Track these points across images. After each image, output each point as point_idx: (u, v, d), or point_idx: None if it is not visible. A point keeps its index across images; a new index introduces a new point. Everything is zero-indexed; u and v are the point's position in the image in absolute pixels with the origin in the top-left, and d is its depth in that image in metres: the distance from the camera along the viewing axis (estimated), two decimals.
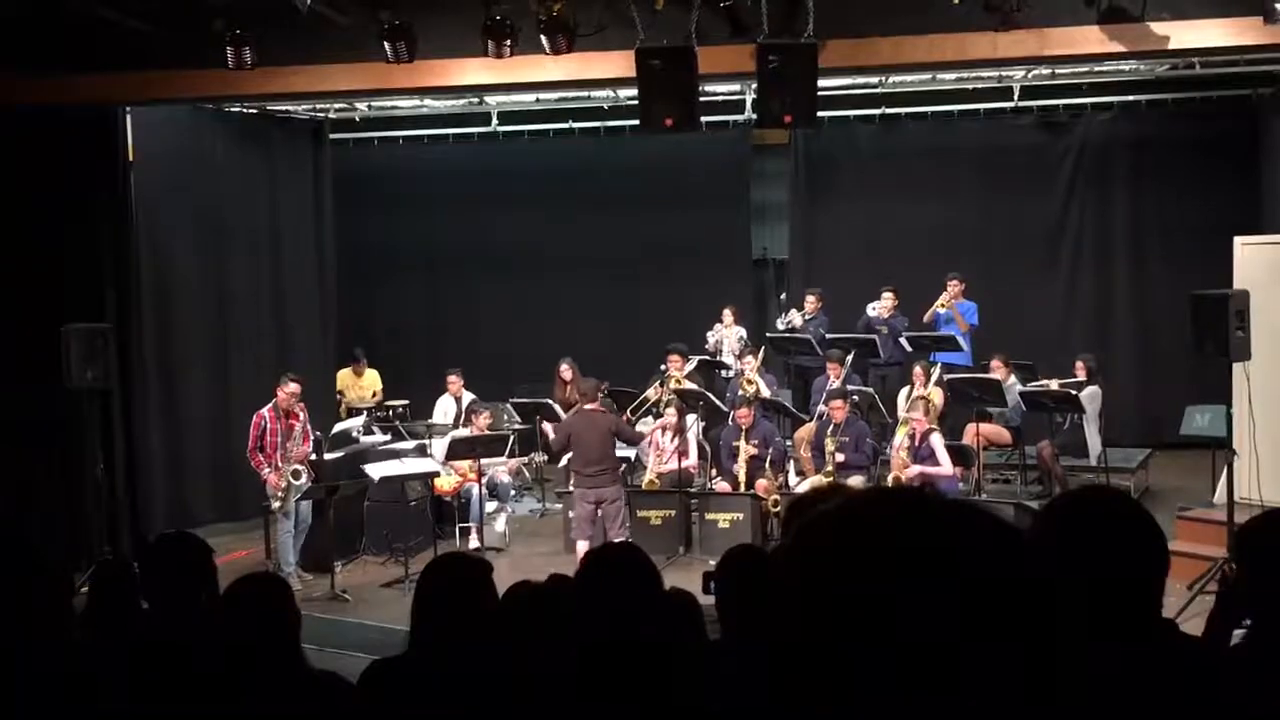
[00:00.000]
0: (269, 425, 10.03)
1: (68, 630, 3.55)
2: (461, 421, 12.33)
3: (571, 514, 10.30)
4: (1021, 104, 13.85)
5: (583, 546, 9.67)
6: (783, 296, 14.30)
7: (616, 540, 9.53)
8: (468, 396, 13.03)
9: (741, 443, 10.94)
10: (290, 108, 13.12)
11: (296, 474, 10.06)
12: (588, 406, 10.24)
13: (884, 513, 1.09)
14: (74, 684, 3.15)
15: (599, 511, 9.92)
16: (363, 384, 13.95)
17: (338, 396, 13.80)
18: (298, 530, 10.21)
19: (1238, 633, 2.86)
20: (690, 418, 11.63)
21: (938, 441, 10.65)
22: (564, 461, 12.25)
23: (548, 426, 12.57)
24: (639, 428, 12.49)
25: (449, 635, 3.39)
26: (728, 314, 13.50)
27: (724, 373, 13.27)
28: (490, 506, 11.30)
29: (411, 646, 3.47)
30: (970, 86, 13.46)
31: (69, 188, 10.55)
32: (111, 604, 4.30)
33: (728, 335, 13.43)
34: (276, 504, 10.04)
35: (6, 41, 9.77)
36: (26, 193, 10.37)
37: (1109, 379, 12.46)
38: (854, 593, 1.03)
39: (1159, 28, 8.96)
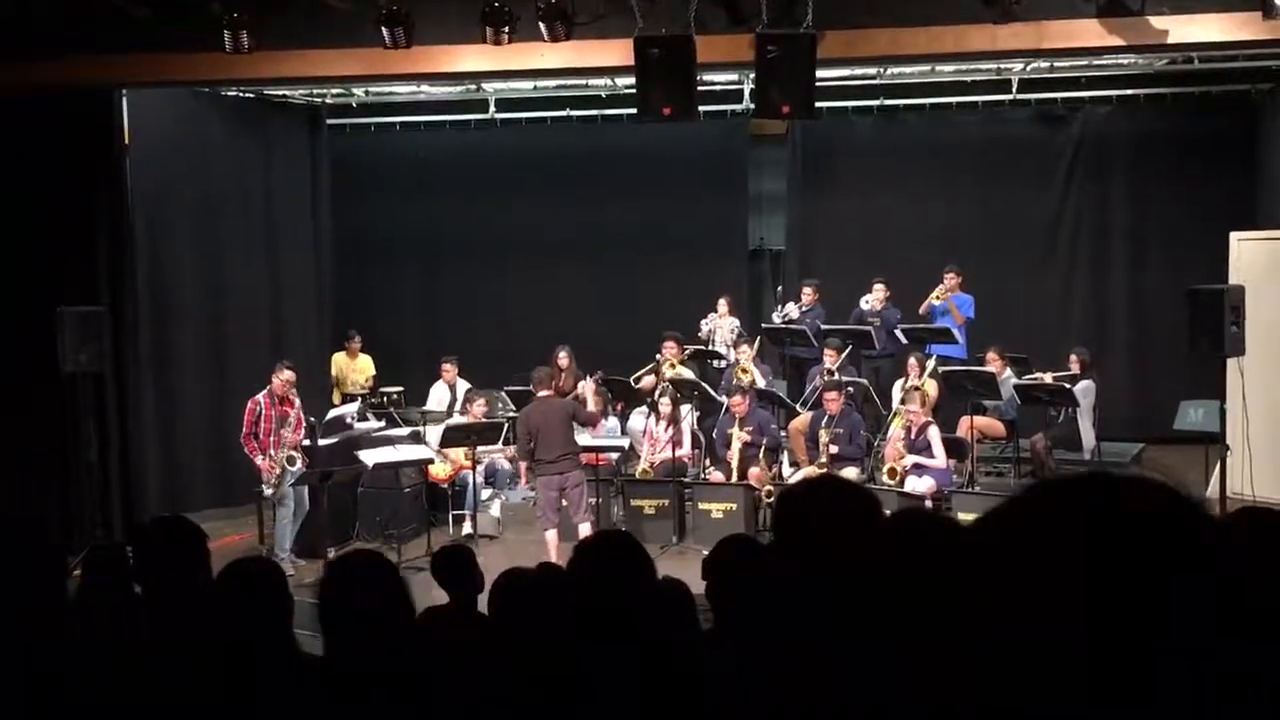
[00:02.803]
0: (264, 411, 10.07)
1: (61, 614, 3.55)
2: (458, 409, 12.33)
3: (537, 502, 10.20)
4: (1019, 97, 13.83)
5: (552, 535, 9.61)
6: (779, 289, 14.30)
7: (581, 524, 9.54)
8: (462, 384, 13.03)
9: (735, 430, 10.95)
10: (287, 92, 13.09)
11: (291, 460, 10.11)
12: (542, 393, 9.94)
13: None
14: (66, 668, 3.15)
15: (563, 498, 9.88)
16: (357, 367, 13.94)
17: (333, 381, 13.79)
18: (295, 516, 10.23)
19: None
20: (685, 407, 11.62)
21: (934, 434, 10.68)
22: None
23: None
24: (633, 417, 12.52)
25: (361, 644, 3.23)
26: (723, 304, 13.49)
27: (717, 363, 13.27)
28: (485, 493, 11.30)
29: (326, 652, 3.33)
30: (968, 79, 13.45)
31: (65, 170, 10.52)
32: (104, 587, 4.30)
33: (721, 325, 13.42)
34: (269, 491, 10.07)
35: (2, 24, 9.74)
36: (21, 175, 10.35)
37: (1104, 373, 12.48)
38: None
39: (1158, 22, 8.96)
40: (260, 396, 10.13)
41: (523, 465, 10.20)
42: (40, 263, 10.45)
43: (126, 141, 11.06)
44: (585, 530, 9.29)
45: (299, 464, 10.16)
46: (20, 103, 10.12)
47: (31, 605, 3.16)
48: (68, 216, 10.59)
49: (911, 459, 10.54)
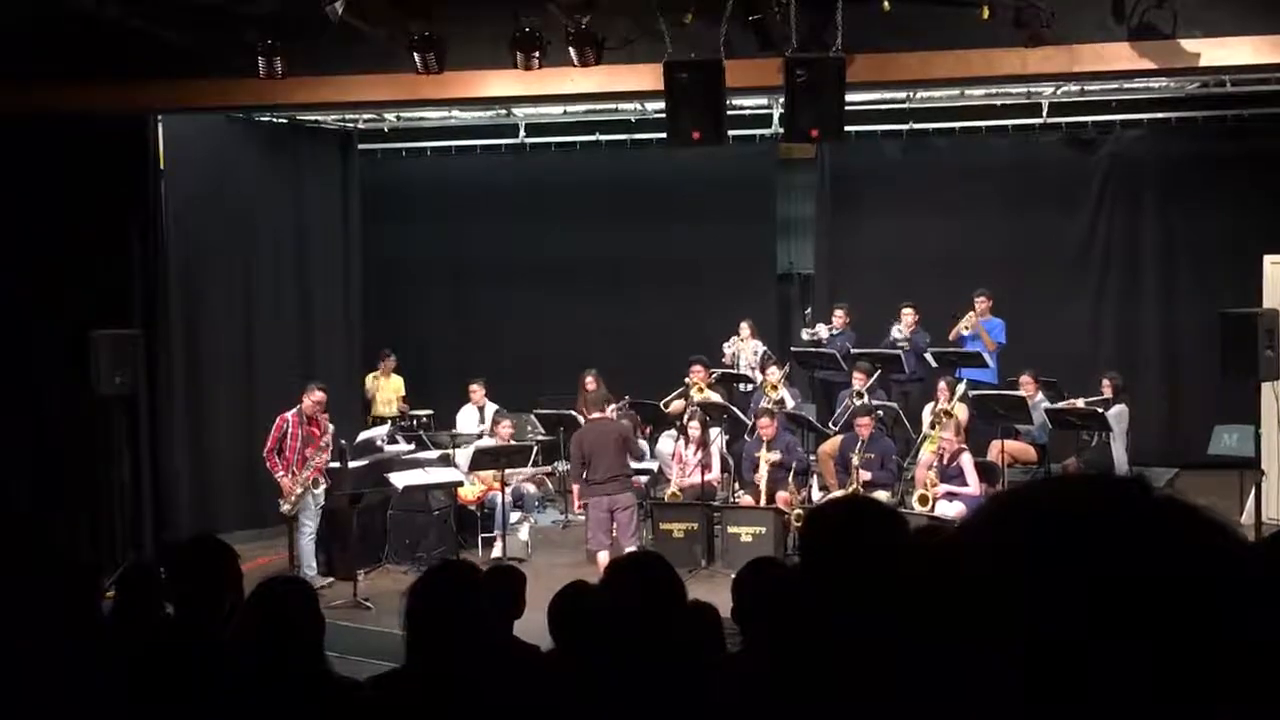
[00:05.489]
0: (290, 429, 10.16)
1: (94, 632, 3.58)
2: (486, 431, 12.37)
3: (587, 523, 10.34)
4: (1050, 120, 13.80)
5: (604, 557, 9.66)
6: (808, 311, 14.28)
7: (628, 548, 9.57)
8: (490, 406, 13.08)
9: (763, 452, 10.93)
10: (320, 118, 13.21)
11: (315, 482, 10.17)
12: (595, 415, 10.38)
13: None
14: (100, 685, 3.18)
15: (614, 519, 9.95)
16: (389, 386, 14.04)
17: (366, 399, 13.89)
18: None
19: None
20: (713, 431, 11.61)
21: (967, 461, 10.62)
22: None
23: None
24: (662, 440, 12.51)
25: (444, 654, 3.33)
26: (745, 327, 13.47)
27: (743, 386, 13.25)
28: (514, 517, 11.32)
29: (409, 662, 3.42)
30: (998, 103, 13.42)
31: (101, 194, 10.64)
32: (137, 607, 4.33)
33: (744, 349, 13.41)
34: (286, 507, 10.16)
35: (41, 50, 9.88)
36: (59, 198, 10.47)
37: (1136, 397, 12.39)
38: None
39: (1189, 45, 8.92)
40: (289, 414, 10.24)
41: (575, 487, 10.38)
42: (75, 285, 10.56)
43: (162, 165, 11.18)
44: None
45: (323, 487, 10.25)
46: (57, 126, 10.25)
47: (66, 624, 3.20)
48: (102, 239, 10.71)
49: (944, 487, 10.49)
